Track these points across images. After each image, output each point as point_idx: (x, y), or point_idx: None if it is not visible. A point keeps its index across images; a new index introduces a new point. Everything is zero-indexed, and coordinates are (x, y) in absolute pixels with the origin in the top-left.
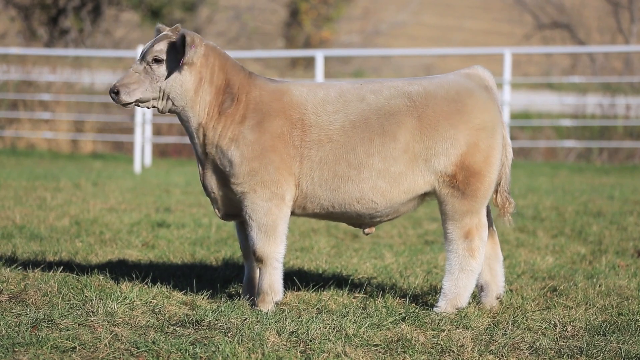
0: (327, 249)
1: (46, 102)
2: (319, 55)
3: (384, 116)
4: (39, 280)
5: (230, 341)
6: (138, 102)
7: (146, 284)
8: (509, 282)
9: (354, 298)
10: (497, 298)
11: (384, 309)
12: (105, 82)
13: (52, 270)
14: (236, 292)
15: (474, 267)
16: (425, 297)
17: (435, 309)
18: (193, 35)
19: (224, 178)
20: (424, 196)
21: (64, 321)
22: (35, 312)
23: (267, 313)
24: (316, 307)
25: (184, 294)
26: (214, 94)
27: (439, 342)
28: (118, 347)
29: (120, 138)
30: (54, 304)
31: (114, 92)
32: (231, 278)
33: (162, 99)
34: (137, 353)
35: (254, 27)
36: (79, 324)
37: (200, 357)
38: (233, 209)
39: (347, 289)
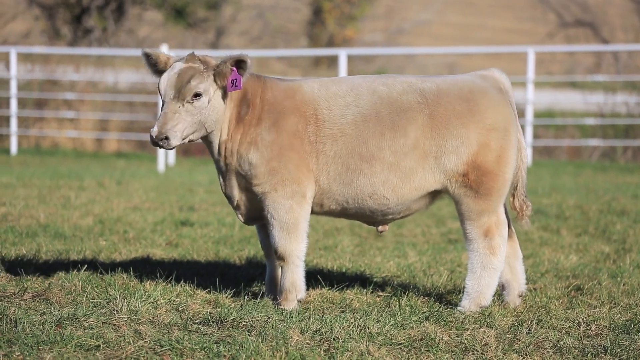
0: (351, 248)
1: (70, 101)
2: (343, 54)
3: (395, 111)
4: (63, 278)
5: (253, 340)
6: (183, 141)
7: (170, 282)
8: (532, 280)
9: (377, 297)
10: (520, 296)
11: (407, 308)
12: (129, 80)
13: (76, 269)
14: (260, 291)
15: (496, 264)
16: (449, 296)
17: (459, 308)
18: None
19: (245, 183)
20: (434, 195)
21: (88, 320)
22: (59, 310)
23: (290, 311)
24: (340, 306)
25: (208, 293)
26: (234, 107)
27: (462, 340)
28: (142, 346)
29: (144, 137)
30: (78, 302)
31: (164, 138)
32: (255, 276)
33: (199, 131)
34: (161, 351)
35: (277, 26)
36: (103, 323)
37: (224, 356)
38: (256, 213)
39: (370, 287)
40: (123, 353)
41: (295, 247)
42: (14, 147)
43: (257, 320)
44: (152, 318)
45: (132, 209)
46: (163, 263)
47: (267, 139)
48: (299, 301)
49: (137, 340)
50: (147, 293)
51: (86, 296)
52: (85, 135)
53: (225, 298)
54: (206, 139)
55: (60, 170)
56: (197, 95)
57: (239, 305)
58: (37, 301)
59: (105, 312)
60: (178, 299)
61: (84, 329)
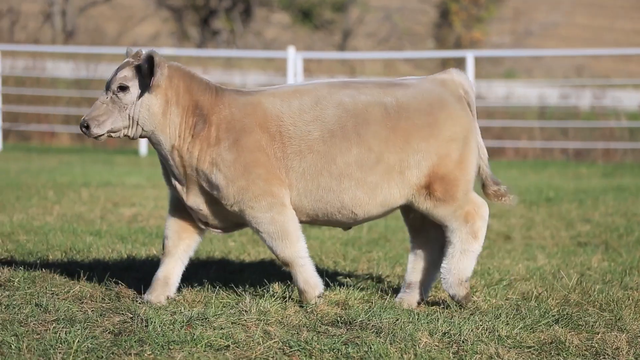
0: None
1: None
2: (470, 56)
3: (360, 124)
4: (192, 279)
5: (382, 341)
6: (110, 133)
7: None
8: None
9: (506, 299)
10: (418, 303)
11: (537, 311)
12: (257, 82)
13: (206, 269)
14: (388, 292)
15: (476, 248)
16: (579, 300)
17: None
18: (161, 57)
19: (213, 197)
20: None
21: (218, 320)
22: (189, 310)
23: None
24: (468, 308)
25: (336, 294)
26: (183, 115)
27: (593, 344)
28: (271, 346)
29: None
30: (208, 302)
31: (84, 126)
32: (383, 278)
33: (132, 127)
34: (290, 352)
35: (404, 28)
36: (232, 323)
37: (353, 357)
38: (228, 222)
39: (499, 290)
40: (252, 353)
41: (293, 250)
42: (143, 149)
43: (386, 322)
44: (281, 319)
45: None
46: None
47: (228, 158)
48: (318, 297)
49: (266, 341)
50: (276, 294)
51: (215, 296)
52: None
53: (353, 299)
54: (152, 141)
55: None
56: (123, 88)
57: (367, 307)
58: (167, 301)
59: (234, 312)
60: None
61: (214, 329)
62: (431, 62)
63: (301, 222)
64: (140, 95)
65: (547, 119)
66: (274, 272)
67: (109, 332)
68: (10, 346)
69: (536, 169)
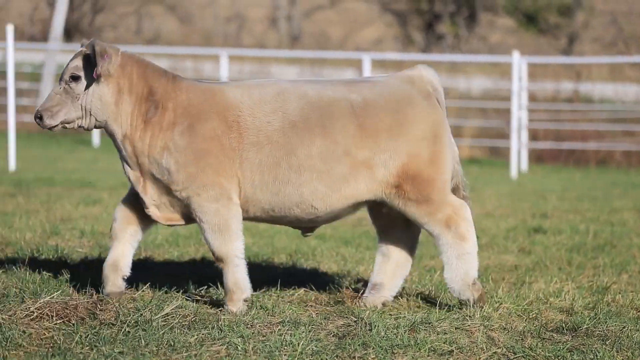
0: None
1: None
2: None
3: (326, 116)
4: (417, 283)
5: (608, 349)
6: (64, 124)
7: (522, 288)
8: None
9: None
10: (384, 304)
11: None
12: (482, 87)
13: (430, 273)
14: (614, 298)
15: (469, 249)
16: None
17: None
18: (104, 46)
19: (165, 186)
20: (368, 203)
21: (442, 324)
22: (412, 314)
23: (238, 312)
24: None
25: (561, 300)
26: (135, 103)
27: None
28: (495, 352)
29: (496, 143)
30: (431, 307)
31: (38, 117)
32: (608, 285)
33: (85, 117)
34: (514, 358)
35: (631, 32)
36: (455, 328)
37: None
38: (176, 214)
39: None
40: (476, 359)
41: (231, 247)
42: None
43: (612, 329)
44: (505, 324)
45: (485, 216)
46: (515, 270)
47: (180, 144)
48: (245, 301)
49: (490, 347)
50: (499, 300)
51: (439, 301)
52: None
53: (578, 306)
54: (107, 131)
55: None
56: (75, 78)
57: (592, 314)
58: (390, 306)
59: (458, 318)
60: (530, 307)
61: (437, 334)
62: None
63: (257, 218)
64: (91, 85)
65: None
66: (498, 277)
67: (333, 335)
68: (237, 347)
69: None
